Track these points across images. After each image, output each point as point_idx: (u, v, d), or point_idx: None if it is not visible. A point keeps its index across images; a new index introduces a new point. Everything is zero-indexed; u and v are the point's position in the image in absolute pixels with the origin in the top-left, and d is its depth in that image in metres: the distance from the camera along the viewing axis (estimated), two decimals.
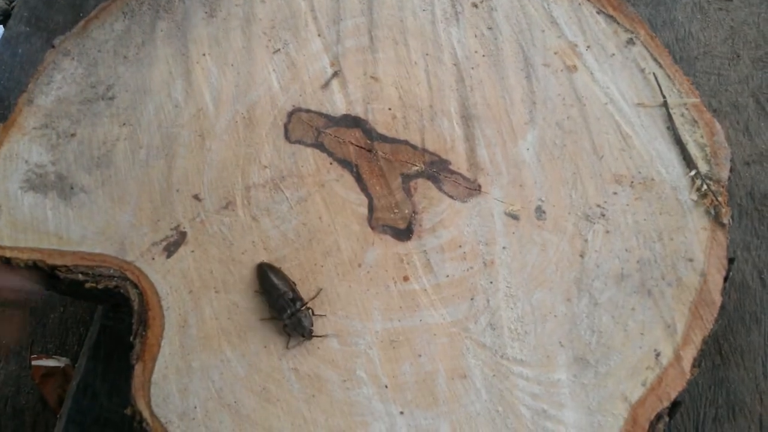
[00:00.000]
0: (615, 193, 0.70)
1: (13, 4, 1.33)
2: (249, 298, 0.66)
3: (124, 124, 0.76)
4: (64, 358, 0.98)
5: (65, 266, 0.69)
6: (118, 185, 0.72)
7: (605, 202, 0.69)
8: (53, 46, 0.80)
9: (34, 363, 0.97)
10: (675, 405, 0.63)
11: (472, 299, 0.65)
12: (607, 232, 0.68)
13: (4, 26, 1.27)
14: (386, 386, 0.62)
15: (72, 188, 0.72)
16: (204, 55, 0.79)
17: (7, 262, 0.70)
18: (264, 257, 0.68)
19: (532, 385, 0.62)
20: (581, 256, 0.67)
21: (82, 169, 0.73)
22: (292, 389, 0.62)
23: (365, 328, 0.64)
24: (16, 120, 0.76)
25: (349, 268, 0.67)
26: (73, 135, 0.75)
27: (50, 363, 0.96)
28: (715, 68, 1.01)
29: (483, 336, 0.64)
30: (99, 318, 0.89)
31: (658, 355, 0.63)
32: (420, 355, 0.63)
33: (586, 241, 0.68)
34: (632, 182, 0.70)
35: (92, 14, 0.81)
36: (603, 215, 0.69)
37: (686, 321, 0.65)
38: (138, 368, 0.63)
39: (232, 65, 0.78)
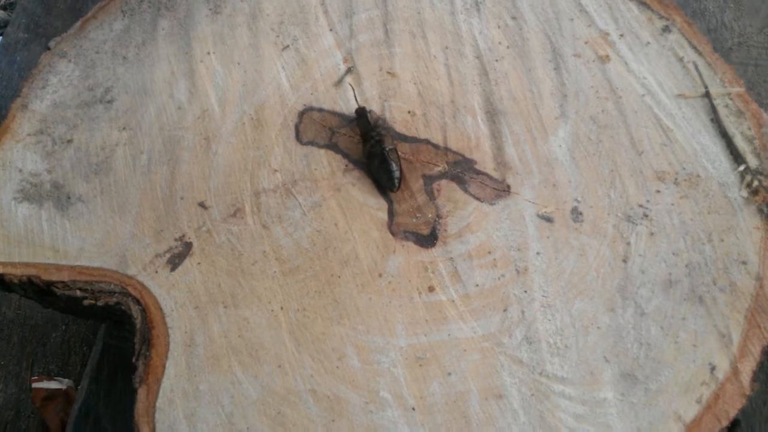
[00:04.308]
0: (658, 192, 0.64)
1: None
2: (260, 313, 0.60)
3: (123, 128, 0.71)
4: (66, 380, 0.93)
5: (62, 282, 0.64)
6: (118, 193, 0.67)
7: (648, 201, 0.64)
8: (48, 48, 0.75)
9: (34, 385, 0.92)
10: (734, 424, 0.57)
11: (505, 310, 0.59)
12: (652, 234, 0.62)
13: (1, 34, 1.23)
14: (413, 408, 0.56)
15: (69, 198, 0.67)
16: (208, 53, 0.74)
17: (0, 278, 0.65)
18: (276, 267, 0.62)
19: (575, 405, 0.56)
20: (624, 261, 0.61)
21: (80, 177, 0.68)
22: (309, 413, 0.56)
23: (388, 344, 0.59)
24: (10, 126, 0.71)
25: (369, 279, 0.61)
26: (69, 141, 0.70)
27: (52, 385, 0.91)
28: (752, 59, 0.96)
29: (519, 351, 0.58)
30: (102, 337, 0.84)
31: (713, 368, 0.57)
32: (450, 374, 0.57)
33: (628, 244, 0.62)
34: (676, 179, 0.65)
35: (90, 14, 0.77)
36: (646, 216, 0.63)
37: (742, 330, 0.59)
38: (141, 392, 0.58)
39: (238, 64, 0.73)
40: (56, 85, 0.73)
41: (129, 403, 0.59)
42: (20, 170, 0.69)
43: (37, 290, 0.66)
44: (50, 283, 0.64)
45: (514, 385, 0.56)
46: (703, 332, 0.58)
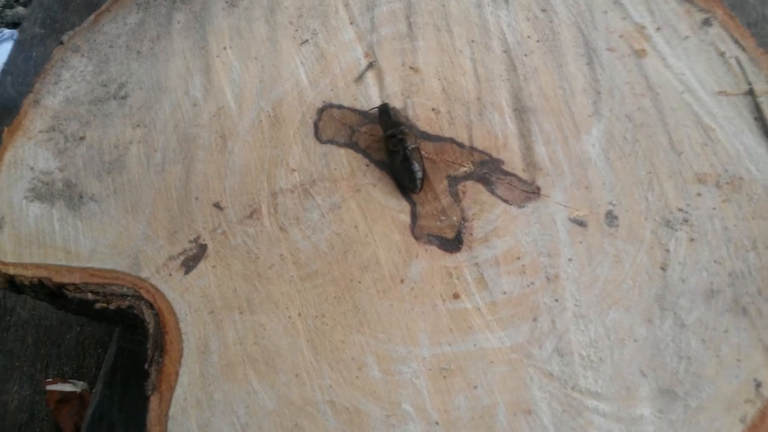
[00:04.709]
0: (699, 195, 0.60)
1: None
2: (277, 319, 0.58)
3: (137, 125, 0.68)
4: (80, 383, 0.92)
5: (73, 284, 0.62)
6: (131, 193, 0.65)
7: (688, 205, 0.60)
8: (62, 42, 0.73)
9: (48, 388, 0.90)
10: None
11: (534, 320, 0.56)
12: (692, 240, 0.58)
13: (18, 29, 1.22)
14: (437, 423, 0.53)
15: (81, 197, 0.65)
16: (225, 48, 0.72)
17: (11, 280, 0.63)
18: (293, 272, 0.60)
19: (609, 422, 0.52)
20: (663, 269, 0.57)
21: (92, 176, 0.66)
22: (328, 426, 0.54)
23: (411, 354, 0.56)
24: (22, 123, 0.69)
25: (390, 284, 0.59)
26: (82, 138, 0.68)
27: (66, 387, 0.90)
28: None
29: (549, 363, 0.54)
30: (116, 340, 0.82)
31: (758, 385, 0.53)
32: (476, 386, 0.54)
33: (667, 251, 0.58)
34: (718, 182, 0.61)
35: (103, 7, 0.75)
36: (686, 221, 0.59)
37: None
38: (154, 400, 0.56)
39: (255, 59, 0.71)
40: (69, 80, 0.71)
41: (143, 408, 0.57)
42: (32, 168, 0.67)
43: (49, 292, 0.64)
44: (61, 286, 0.62)
45: (544, 400, 0.53)
46: (747, 346, 0.55)
